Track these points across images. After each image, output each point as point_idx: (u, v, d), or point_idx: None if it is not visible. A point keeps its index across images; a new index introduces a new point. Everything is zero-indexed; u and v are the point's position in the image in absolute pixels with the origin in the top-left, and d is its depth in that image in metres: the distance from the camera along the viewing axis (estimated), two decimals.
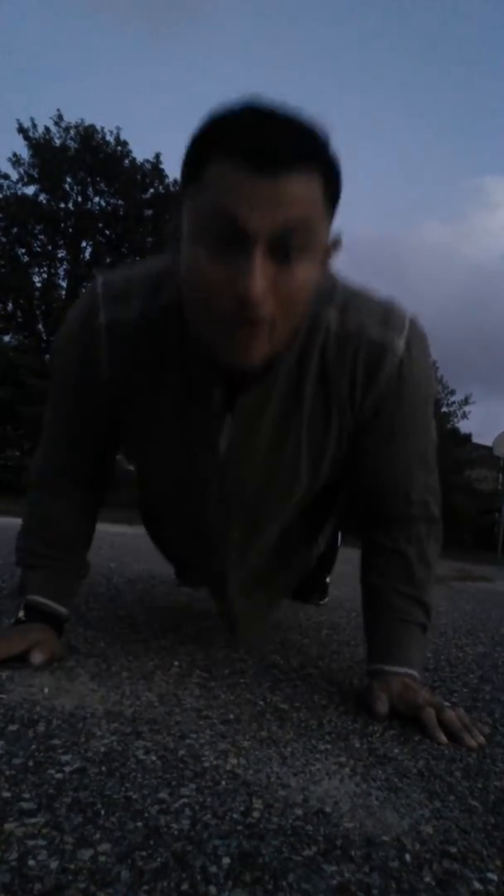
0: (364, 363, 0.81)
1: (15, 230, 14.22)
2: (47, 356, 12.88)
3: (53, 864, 0.41)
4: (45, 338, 14.18)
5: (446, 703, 0.82)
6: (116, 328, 0.82)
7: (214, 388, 0.81)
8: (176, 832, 0.47)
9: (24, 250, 14.64)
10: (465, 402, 17.77)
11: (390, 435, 0.86)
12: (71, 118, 15.04)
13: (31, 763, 0.56)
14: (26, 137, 14.34)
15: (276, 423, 0.83)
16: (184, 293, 0.73)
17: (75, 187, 14.75)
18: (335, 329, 0.80)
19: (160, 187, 14.75)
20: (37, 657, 0.82)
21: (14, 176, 14.43)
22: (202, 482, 0.89)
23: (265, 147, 0.61)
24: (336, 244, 0.75)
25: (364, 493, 0.93)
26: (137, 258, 15.15)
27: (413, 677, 0.85)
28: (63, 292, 14.69)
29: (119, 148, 14.57)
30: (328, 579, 1.74)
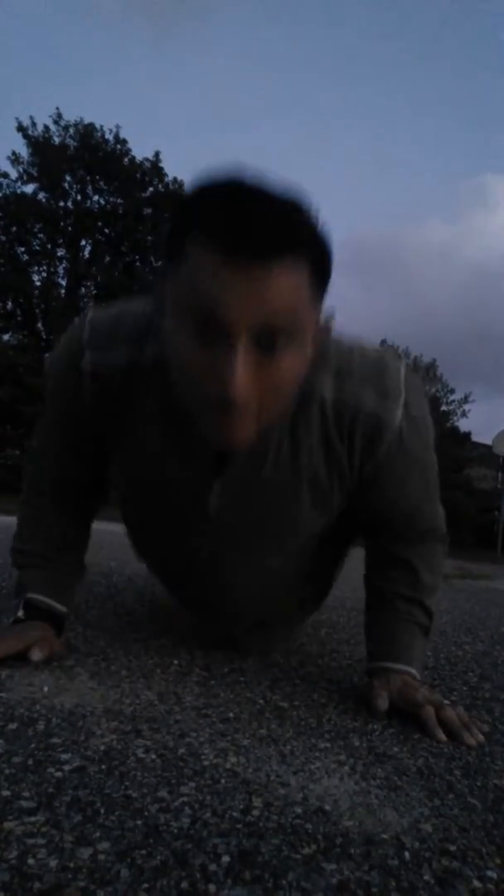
0: (362, 435, 0.78)
1: (14, 229, 14.21)
2: (47, 354, 12.87)
3: (53, 863, 0.41)
4: (44, 337, 14.17)
5: (446, 702, 0.83)
6: (101, 374, 0.79)
7: (203, 452, 0.79)
8: (175, 830, 0.47)
9: (23, 249, 14.64)
10: (465, 400, 17.83)
11: (393, 485, 0.85)
12: (70, 117, 15.02)
13: (30, 761, 0.56)
14: (25, 136, 14.34)
15: (271, 487, 0.81)
16: (170, 365, 0.69)
17: (74, 186, 14.76)
18: (331, 398, 0.77)
19: (160, 185, 14.75)
20: (36, 654, 0.82)
21: (13, 174, 14.44)
22: (194, 535, 0.88)
23: (246, 235, 0.57)
24: (327, 325, 0.71)
25: (370, 525, 0.93)
26: (137, 257, 15.15)
27: (413, 675, 0.85)
28: (62, 291, 14.70)
29: (118, 146, 14.56)
30: None
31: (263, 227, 0.58)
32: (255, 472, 0.80)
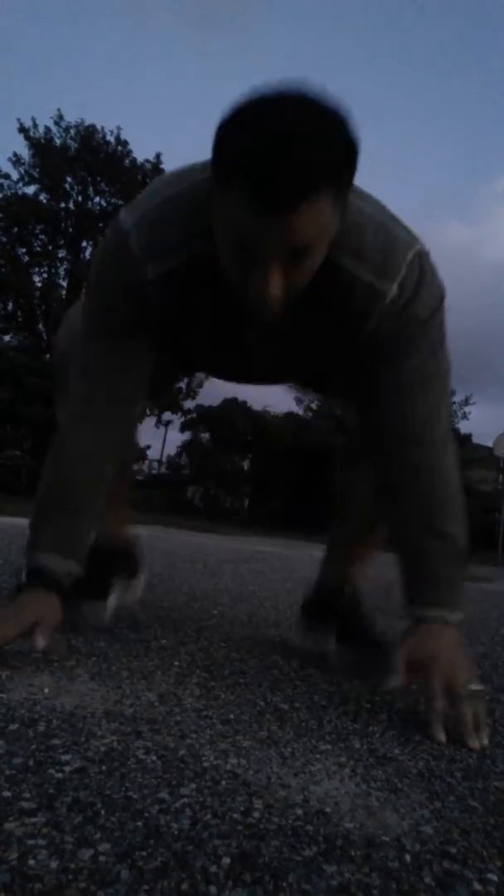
0: (357, 300, 0.84)
1: (15, 230, 14.23)
2: (48, 356, 12.88)
3: (53, 864, 0.41)
4: (45, 337, 14.18)
5: (481, 688, 0.82)
6: (165, 277, 0.84)
7: (245, 318, 0.85)
8: (176, 832, 0.47)
9: (24, 250, 14.66)
10: (466, 402, 17.81)
11: (393, 365, 0.89)
12: (71, 118, 15.05)
13: (31, 762, 0.56)
14: (27, 137, 14.37)
15: (289, 331, 0.88)
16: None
17: (76, 187, 14.78)
18: (345, 267, 0.83)
19: None
20: (40, 642, 0.81)
21: (15, 176, 14.47)
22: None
23: (279, 185, 0.65)
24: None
25: (372, 435, 0.96)
26: None
27: (458, 629, 0.87)
28: (63, 292, 14.70)
29: (119, 148, 14.59)
30: None
31: (294, 177, 0.65)
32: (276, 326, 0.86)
